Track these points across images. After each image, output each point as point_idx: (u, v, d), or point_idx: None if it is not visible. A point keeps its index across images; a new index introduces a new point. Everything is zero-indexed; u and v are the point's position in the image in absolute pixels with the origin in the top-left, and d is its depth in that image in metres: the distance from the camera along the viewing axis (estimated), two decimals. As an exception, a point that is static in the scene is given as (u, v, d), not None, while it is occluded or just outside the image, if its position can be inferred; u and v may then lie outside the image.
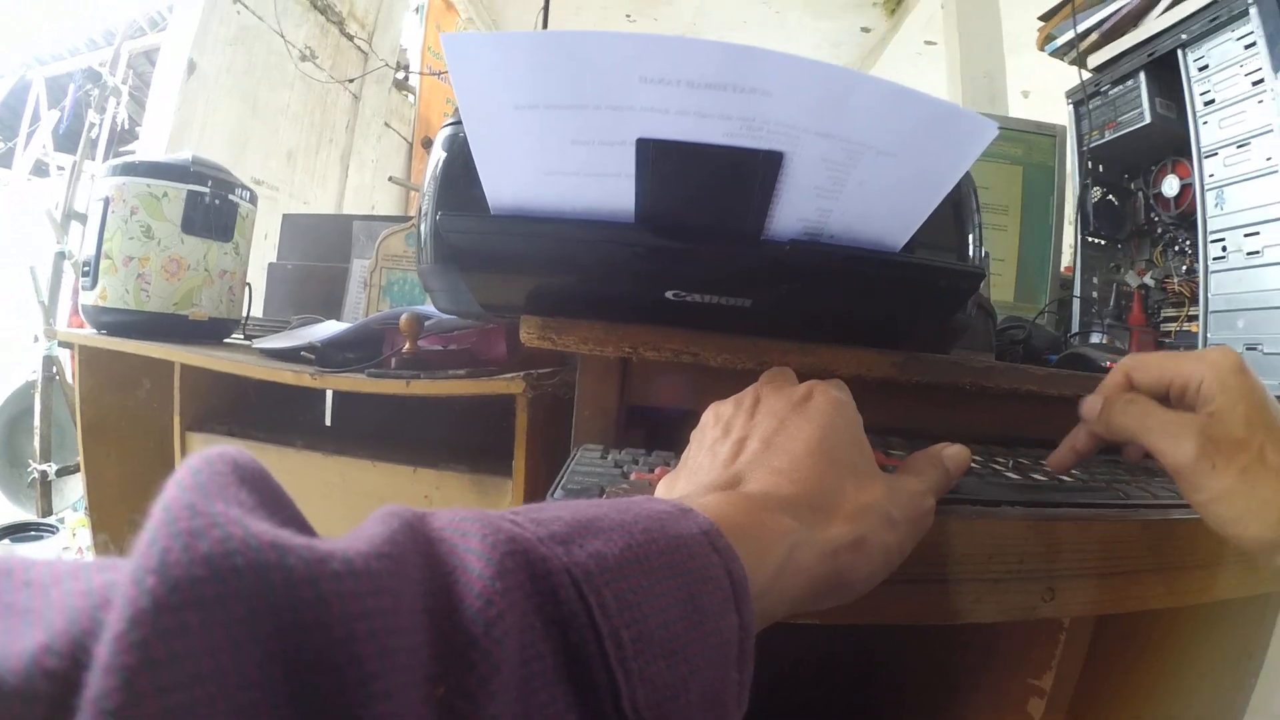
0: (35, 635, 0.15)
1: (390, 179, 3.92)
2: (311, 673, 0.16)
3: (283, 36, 3.25)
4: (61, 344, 2.30)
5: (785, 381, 0.42)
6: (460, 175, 0.44)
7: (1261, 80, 0.92)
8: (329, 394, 1.03)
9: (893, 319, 0.51)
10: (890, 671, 0.83)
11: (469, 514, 0.22)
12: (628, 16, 5.00)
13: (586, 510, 0.25)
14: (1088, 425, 0.49)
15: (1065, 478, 0.53)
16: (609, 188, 0.41)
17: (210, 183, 1.13)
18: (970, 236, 0.53)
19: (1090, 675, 0.70)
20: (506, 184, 0.43)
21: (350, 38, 3.86)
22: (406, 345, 0.77)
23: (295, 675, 0.15)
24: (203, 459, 0.18)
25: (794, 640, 0.46)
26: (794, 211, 0.43)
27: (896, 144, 0.39)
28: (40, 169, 4.04)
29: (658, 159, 0.39)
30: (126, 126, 3.07)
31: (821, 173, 0.40)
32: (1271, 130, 0.91)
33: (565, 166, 0.41)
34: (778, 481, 0.34)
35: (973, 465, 0.51)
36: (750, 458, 0.37)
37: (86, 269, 1.11)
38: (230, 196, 1.15)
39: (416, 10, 4.52)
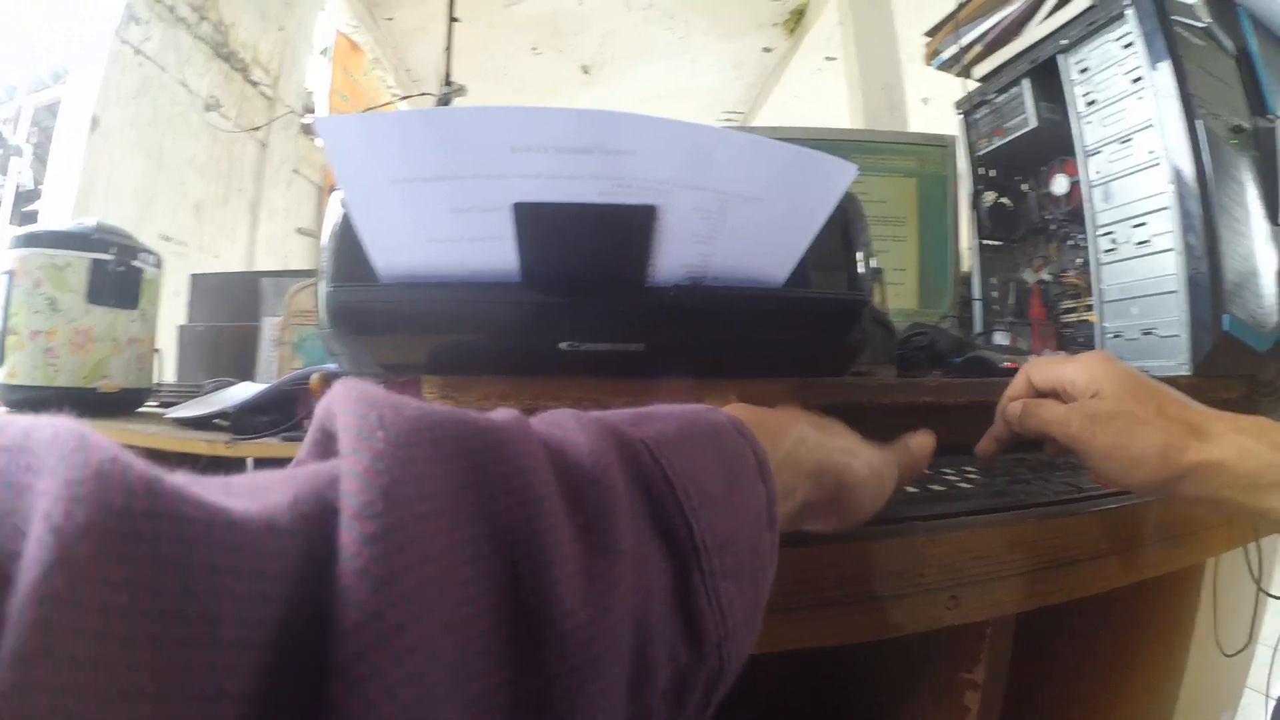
0: (284, 495, 0.18)
1: (299, 230, 3.83)
2: (498, 494, 0.21)
3: (186, 87, 3.18)
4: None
5: None
6: (355, 239, 0.44)
7: (1140, 78, 0.94)
8: (249, 460, 1.01)
9: (784, 349, 0.53)
10: (836, 674, 0.84)
11: (557, 411, 0.29)
12: (533, 49, 4.95)
13: (639, 409, 0.31)
14: (1008, 425, 0.55)
15: (968, 484, 0.55)
16: (492, 250, 0.42)
17: (114, 249, 1.10)
18: (859, 256, 0.55)
19: (1023, 664, 0.72)
20: (392, 253, 0.43)
21: (255, 84, 3.78)
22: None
23: (487, 498, 0.20)
24: (349, 388, 0.23)
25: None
26: (675, 258, 0.44)
27: (761, 190, 0.41)
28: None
29: (535, 220, 0.40)
30: (31, 186, 2.96)
31: (696, 220, 0.42)
32: (1152, 125, 0.94)
33: (447, 234, 0.41)
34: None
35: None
36: None
37: (-8, 347, 1.06)
38: (134, 262, 1.12)
39: (322, 52, 4.46)
